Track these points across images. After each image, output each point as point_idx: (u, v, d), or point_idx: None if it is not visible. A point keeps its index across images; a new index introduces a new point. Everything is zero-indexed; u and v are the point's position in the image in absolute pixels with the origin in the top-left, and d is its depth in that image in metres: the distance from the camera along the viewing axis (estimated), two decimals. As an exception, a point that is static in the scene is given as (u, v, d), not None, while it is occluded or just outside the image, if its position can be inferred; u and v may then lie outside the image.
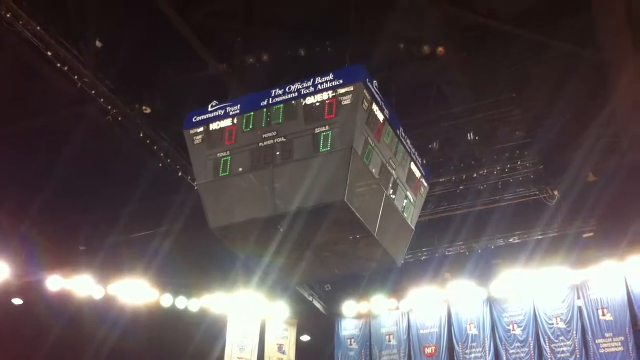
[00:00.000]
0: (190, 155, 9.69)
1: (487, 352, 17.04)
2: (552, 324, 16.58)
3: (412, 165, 10.24)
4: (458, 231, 16.00)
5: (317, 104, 8.70)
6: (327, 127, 8.58)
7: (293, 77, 9.14)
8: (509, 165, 13.52)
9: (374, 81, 8.86)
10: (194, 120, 9.62)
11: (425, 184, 10.94)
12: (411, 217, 10.50)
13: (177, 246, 15.83)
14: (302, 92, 8.85)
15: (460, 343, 17.45)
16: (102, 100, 11.34)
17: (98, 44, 10.82)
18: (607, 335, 15.89)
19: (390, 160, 9.43)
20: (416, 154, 10.40)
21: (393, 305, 18.46)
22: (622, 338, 15.69)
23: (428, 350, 17.77)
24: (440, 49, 10.64)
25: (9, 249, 15.38)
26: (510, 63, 11.45)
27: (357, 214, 8.71)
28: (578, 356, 16.05)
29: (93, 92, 11.16)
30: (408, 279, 17.97)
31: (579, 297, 16.43)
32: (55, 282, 16.08)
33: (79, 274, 16.29)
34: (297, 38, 10.92)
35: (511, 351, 16.84)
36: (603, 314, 16.05)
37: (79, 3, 10.49)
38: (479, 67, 11.43)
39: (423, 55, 10.72)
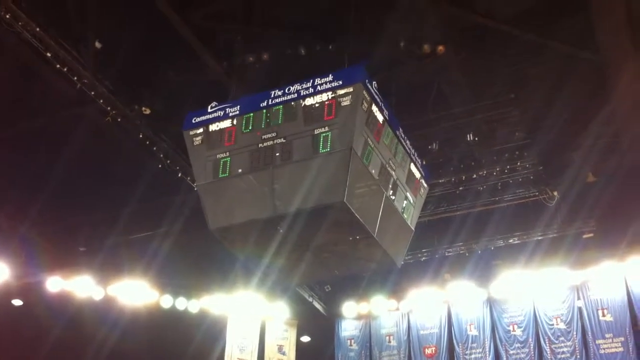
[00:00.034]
0: (190, 156, 9.69)
1: (487, 352, 17.03)
2: (553, 324, 16.57)
3: (412, 166, 10.24)
4: (458, 232, 16.00)
5: (317, 105, 8.70)
6: (326, 128, 8.57)
7: (293, 77, 9.14)
8: (508, 166, 13.52)
9: (374, 82, 8.86)
10: (193, 121, 9.62)
11: (425, 185, 10.94)
12: (411, 218, 10.50)
13: (176, 247, 15.82)
14: (302, 93, 8.84)
15: (460, 344, 17.45)
16: (101, 101, 11.32)
17: (98, 45, 10.81)
18: (607, 336, 15.88)
19: (390, 161, 9.43)
20: (416, 154, 10.40)
21: (393, 306, 18.46)
22: (622, 339, 15.69)
23: (428, 351, 17.76)
24: (440, 48, 10.64)
25: (9, 250, 15.37)
26: (509, 63, 11.45)
27: (356, 215, 8.70)
28: (578, 357, 16.04)
29: (92, 93, 11.14)
30: (408, 280, 17.97)
31: (579, 298, 16.43)
32: (55, 283, 16.07)
33: (79, 275, 16.27)
34: (297, 38, 10.91)
35: (511, 352, 16.83)
36: (603, 315, 16.05)
37: (78, 4, 10.48)
38: (479, 66, 11.43)
39: (423, 54, 10.72)
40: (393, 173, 9.54)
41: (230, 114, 9.36)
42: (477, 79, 11.69)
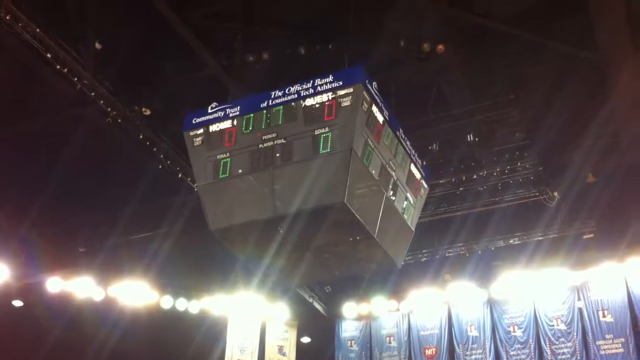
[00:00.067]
0: (190, 157, 9.68)
1: (487, 353, 17.02)
2: (553, 325, 16.57)
3: (412, 167, 10.24)
4: (458, 233, 16.00)
5: (317, 105, 8.70)
6: (327, 128, 8.57)
7: (293, 77, 9.14)
8: (508, 167, 13.53)
9: (374, 83, 8.86)
10: (193, 122, 9.61)
11: (425, 186, 10.93)
12: (411, 218, 10.49)
13: (177, 248, 15.83)
14: (302, 94, 8.84)
15: (460, 344, 17.44)
16: (101, 102, 11.33)
17: (98, 46, 10.83)
18: (607, 336, 15.87)
19: (390, 162, 9.43)
20: (416, 155, 10.39)
21: (393, 307, 18.44)
22: (622, 340, 15.68)
23: (429, 352, 17.75)
24: (440, 47, 10.64)
25: (9, 251, 15.37)
26: (508, 63, 11.45)
27: (357, 215, 8.70)
28: (579, 358, 16.02)
29: (93, 94, 11.15)
30: (408, 281, 17.96)
31: (579, 299, 16.41)
32: (55, 284, 16.08)
33: (79, 275, 16.28)
34: (297, 37, 10.92)
35: (512, 353, 16.82)
36: (603, 316, 16.04)
37: (78, 4, 10.49)
38: (478, 66, 11.44)
39: (423, 52, 10.72)
40: (393, 174, 9.53)
41: (231, 115, 9.35)
42: (477, 78, 11.69)
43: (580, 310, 16.33)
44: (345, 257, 10.08)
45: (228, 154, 9.21)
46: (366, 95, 8.60)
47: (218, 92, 10.54)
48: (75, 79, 10.86)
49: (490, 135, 12.99)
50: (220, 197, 9.34)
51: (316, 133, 8.62)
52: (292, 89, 8.95)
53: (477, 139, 13.03)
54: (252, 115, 9.18)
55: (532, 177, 13.75)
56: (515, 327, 16.97)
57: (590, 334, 16.07)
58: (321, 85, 8.73)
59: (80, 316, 16.30)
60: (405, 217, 10.25)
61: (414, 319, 18.25)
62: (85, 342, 16.08)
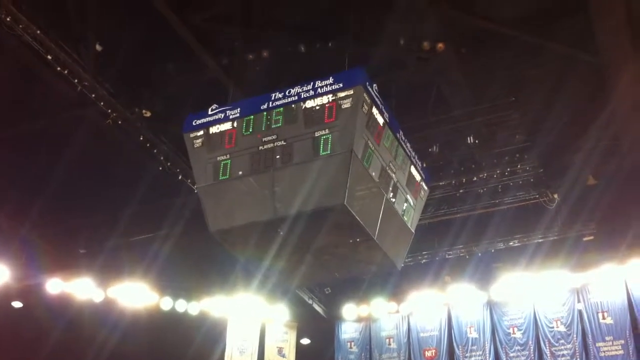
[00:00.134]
0: (190, 158, 9.68)
1: (487, 355, 17.01)
2: (553, 327, 16.56)
3: (412, 169, 10.24)
4: (458, 235, 15.98)
5: (317, 107, 8.70)
6: (327, 130, 8.57)
7: (293, 78, 9.15)
8: (508, 169, 13.51)
9: (374, 84, 8.86)
10: (194, 123, 9.62)
11: (426, 188, 10.94)
12: (411, 220, 10.49)
13: (177, 249, 15.83)
14: (302, 96, 8.84)
15: (460, 346, 17.43)
16: (102, 103, 11.32)
17: (98, 47, 10.84)
18: (607, 338, 15.87)
19: (390, 164, 9.43)
20: (416, 157, 10.40)
21: (393, 309, 18.43)
22: (622, 341, 15.67)
23: (428, 354, 17.74)
24: (440, 45, 10.64)
25: (9, 252, 15.38)
26: (508, 65, 11.44)
27: (357, 217, 8.70)
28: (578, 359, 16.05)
29: (93, 95, 11.15)
30: (408, 283, 17.95)
31: (579, 301, 16.41)
32: (55, 285, 16.08)
33: (79, 277, 16.28)
34: (297, 38, 10.92)
35: (511, 354, 16.81)
36: (603, 318, 16.03)
37: (78, 6, 10.49)
38: (478, 68, 11.44)
39: (423, 51, 10.71)
40: (393, 175, 9.53)
41: (231, 117, 9.35)
42: (477, 80, 11.69)
43: (580, 312, 16.33)
44: (345, 258, 10.08)
45: (228, 156, 9.21)
46: (366, 97, 8.60)
47: (218, 94, 10.53)
48: (76, 80, 10.86)
49: (491, 138, 12.98)
50: (220, 199, 9.34)
51: (316, 135, 8.62)
52: (293, 91, 8.95)
53: (477, 141, 13.04)
54: (252, 117, 9.18)
55: (532, 180, 13.73)
56: (515, 329, 16.97)
57: (590, 335, 16.06)
58: (321, 87, 8.74)
59: (80, 317, 16.31)
60: (405, 219, 10.26)
61: (413, 320, 18.24)
62: (85, 344, 16.09)
